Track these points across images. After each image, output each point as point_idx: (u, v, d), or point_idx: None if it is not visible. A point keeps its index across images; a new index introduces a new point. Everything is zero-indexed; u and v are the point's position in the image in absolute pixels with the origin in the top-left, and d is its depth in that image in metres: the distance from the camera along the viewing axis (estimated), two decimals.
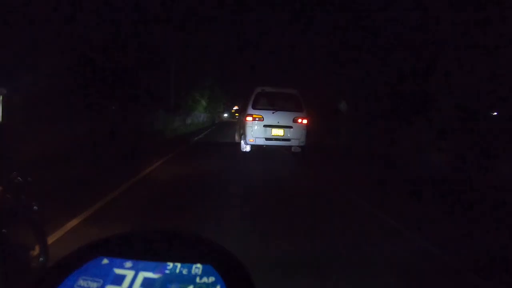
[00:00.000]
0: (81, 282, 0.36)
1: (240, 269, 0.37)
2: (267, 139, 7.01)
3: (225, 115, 55.90)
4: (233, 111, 59.70)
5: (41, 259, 1.82)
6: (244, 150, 7.42)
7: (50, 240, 2.35)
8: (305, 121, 7.10)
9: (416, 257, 2.71)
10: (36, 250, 1.82)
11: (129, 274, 0.36)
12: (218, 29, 23.52)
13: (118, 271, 0.36)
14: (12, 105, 5.99)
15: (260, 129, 6.96)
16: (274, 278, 2.08)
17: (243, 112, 7.95)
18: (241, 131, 7.55)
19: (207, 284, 0.34)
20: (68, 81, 7.92)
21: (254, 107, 7.06)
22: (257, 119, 6.97)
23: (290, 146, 7.33)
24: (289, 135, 7.06)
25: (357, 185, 5.32)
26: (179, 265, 0.37)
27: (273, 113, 7.03)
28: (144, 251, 0.39)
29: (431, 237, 3.15)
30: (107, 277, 0.36)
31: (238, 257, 0.38)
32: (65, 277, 0.36)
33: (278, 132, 7.06)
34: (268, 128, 7.00)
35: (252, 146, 7.24)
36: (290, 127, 7.03)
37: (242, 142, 7.47)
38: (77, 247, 0.41)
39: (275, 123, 7.04)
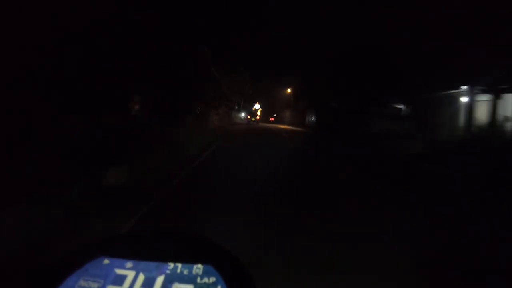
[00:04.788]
0: (82, 283, 0.36)
1: (241, 270, 0.37)
2: (251, 122, 43.12)
3: (242, 115, 44.56)
4: (253, 109, 47.46)
5: None
6: (248, 124, 38.79)
7: None
8: (258, 118, 45.45)
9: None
10: None
11: (130, 274, 0.36)
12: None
13: (119, 271, 0.37)
14: None
15: (250, 120, 44.85)
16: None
17: (247, 116, 46.35)
18: (247, 119, 44.85)
19: (207, 285, 0.34)
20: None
21: (248, 115, 46.45)
22: (249, 118, 45.30)
23: (257, 122, 42.95)
24: (255, 121, 43.81)
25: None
26: (180, 265, 0.37)
27: (252, 116, 46.73)
28: (144, 251, 0.39)
29: None
30: (108, 278, 0.36)
31: (238, 257, 0.38)
32: (66, 278, 0.36)
33: (253, 120, 44.34)
34: (251, 119, 45.24)
35: (248, 123, 41.11)
36: (256, 119, 44.61)
37: (246, 121, 43.09)
38: (77, 247, 0.40)
39: (252, 119, 45.30)
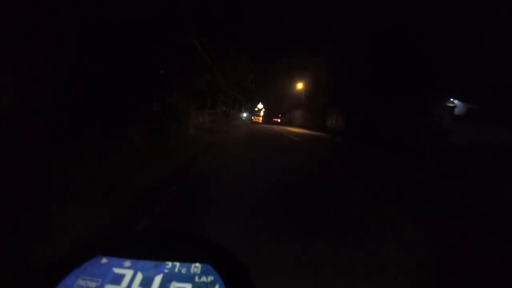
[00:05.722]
0: (80, 282, 0.35)
1: (239, 268, 0.36)
2: (253, 121, 43.42)
3: (244, 115, 44.94)
4: (256, 109, 50.06)
5: None
6: (250, 122, 43.25)
7: None
8: (260, 119, 43.58)
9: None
10: None
11: (128, 273, 0.36)
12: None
13: (117, 270, 0.36)
14: None
15: (254, 120, 44.02)
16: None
17: (251, 117, 47.54)
18: (251, 119, 46.07)
19: (206, 283, 0.34)
20: None
21: (252, 116, 46.98)
22: (252, 118, 45.52)
23: (259, 123, 41.26)
24: (258, 121, 43.01)
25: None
26: (178, 264, 0.37)
27: (254, 117, 45.44)
28: (143, 250, 0.38)
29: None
30: (106, 277, 0.36)
31: (236, 256, 0.37)
32: (64, 277, 0.36)
33: (256, 120, 43.61)
34: (254, 120, 44.20)
35: (251, 122, 42.74)
36: (258, 119, 43.38)
37: (249, 121, 44.82)
38: (75, 246, 0.39)
39: (255, 119, 43.93)
